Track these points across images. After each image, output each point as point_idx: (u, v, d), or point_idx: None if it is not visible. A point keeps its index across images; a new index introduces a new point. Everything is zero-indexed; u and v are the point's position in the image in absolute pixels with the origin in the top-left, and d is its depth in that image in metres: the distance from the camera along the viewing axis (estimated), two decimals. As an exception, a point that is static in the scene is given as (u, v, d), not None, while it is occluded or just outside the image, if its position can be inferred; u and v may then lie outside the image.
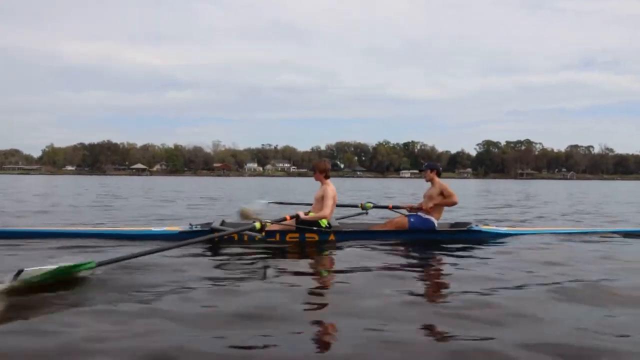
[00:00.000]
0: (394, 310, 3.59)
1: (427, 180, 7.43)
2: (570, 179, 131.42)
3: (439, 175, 7.39)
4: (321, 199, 6.82)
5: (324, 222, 6.75)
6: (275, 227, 6.44)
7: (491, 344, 2.94)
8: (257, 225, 5.78)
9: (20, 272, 3.59)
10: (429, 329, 3.26)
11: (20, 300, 3.57)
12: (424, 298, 4.09)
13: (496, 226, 7.98)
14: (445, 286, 4.55)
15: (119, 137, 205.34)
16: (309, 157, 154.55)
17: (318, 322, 3.37)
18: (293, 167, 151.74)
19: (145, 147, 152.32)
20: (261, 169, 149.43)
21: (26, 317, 3.29)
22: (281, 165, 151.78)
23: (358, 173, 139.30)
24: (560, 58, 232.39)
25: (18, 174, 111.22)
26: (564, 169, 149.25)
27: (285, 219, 6.38)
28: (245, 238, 6.32)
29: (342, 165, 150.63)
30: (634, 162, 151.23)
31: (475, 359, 2.77)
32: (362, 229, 7.32)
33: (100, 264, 4.22)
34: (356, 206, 8.15)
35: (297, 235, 6.65)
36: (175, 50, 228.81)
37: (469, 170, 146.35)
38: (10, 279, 3.61)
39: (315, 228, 6.70)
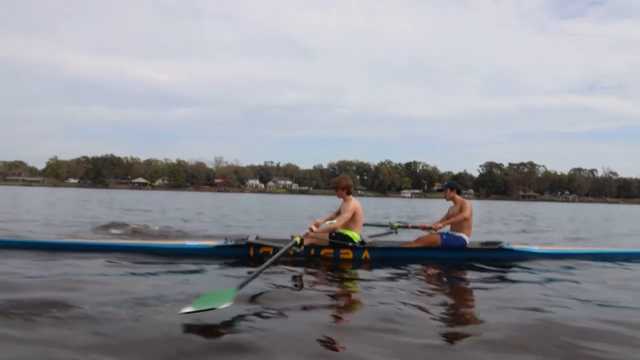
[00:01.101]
0: (433, 332, 3.53)
1: (447, 199, 7.51)
2: (572, 201, 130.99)
3: (459, 193, 7.51)
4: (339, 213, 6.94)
5: (356, 238, 6.84)
6: (309, 241, 6.53)
7: None
8: (298, 240, 5.85)
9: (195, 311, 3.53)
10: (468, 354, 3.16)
11: None
12: (463, 320, 3.99)
13: (527, 245, 7.96)
14: (484, 307, 4.33)
15: (121, 151, 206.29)
16: (311, 175, 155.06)
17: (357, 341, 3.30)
18: (295, 184, 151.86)
19: (149, 162, 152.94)
20: (263, 185, 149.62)
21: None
22: (283, 182, 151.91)
23: (359, 192, 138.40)
24: (564, 81, 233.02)
25: (21, 185, 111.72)
26: (567, 192, 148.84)
27: (307, 233, 6.29)
28: (291, 253, 6.11)
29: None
30: (637, 186, 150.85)
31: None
32: (395, 246, 7.30)
33: (240, 286, 4.17)
34: (385, 226, 8.31)
35: (331, 251, 6.74)
36: (180, 66, 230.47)
37: (471, 191, 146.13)
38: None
39: (350, 244, 6.77)
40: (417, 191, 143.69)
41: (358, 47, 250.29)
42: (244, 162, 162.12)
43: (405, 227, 8.32)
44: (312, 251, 6.68)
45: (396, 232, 8.05)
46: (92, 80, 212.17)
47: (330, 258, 6.69)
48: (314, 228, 6.42)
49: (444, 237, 7.18)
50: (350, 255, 6.72)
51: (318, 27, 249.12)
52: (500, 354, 3.10)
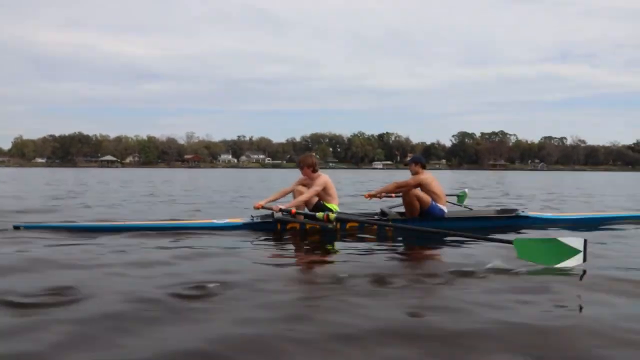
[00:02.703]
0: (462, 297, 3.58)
1: (412, 174, 7.49)
2: (541, 169, 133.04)
3: (423, 167, 7.53)
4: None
5: (335, 209, 6.91)
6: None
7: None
8: (332, 216, 6.13)
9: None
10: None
11: None
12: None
13: (540, 212, 8.23)
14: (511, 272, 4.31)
15: (93, 129, 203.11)
16: (283, 149, 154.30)
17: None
18: (268, 158, 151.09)
19: (119, 139, 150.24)
20: (235, 160, 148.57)
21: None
22: (256, 157, 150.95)
23: (330, 164, 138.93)
24: (538, 50, 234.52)
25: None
26: (537, 160, 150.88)
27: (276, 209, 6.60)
28: (317, 227, 6.60)
29: (317, 157, 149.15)
30: (603, 153, 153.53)
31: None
32: (411, 218, 7.12)
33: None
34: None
35: (356, 224, 6.87)
36: (153, 40, 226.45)
37: (443, 161, 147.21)
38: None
39: (376, 218, 7.12)
40: (389, 162, 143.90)
41: (334, 18, 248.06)
42: (217, 137, 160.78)
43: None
44: (339, 225, 6.71)
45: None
46: (62, 57, 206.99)
47: (355, 230, 6.86)
48: (279, 207, 6.58)
49: (433, 203, 7.23)
50: (375, 227, 6.92)
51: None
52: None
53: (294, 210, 6.51)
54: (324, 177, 7.03)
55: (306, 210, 6.83)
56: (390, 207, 7.81)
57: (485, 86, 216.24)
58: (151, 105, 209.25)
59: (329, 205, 6.95)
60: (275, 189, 9.98)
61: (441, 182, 7.66)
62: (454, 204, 8.70)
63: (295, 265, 5.01)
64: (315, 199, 6.98)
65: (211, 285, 3.75)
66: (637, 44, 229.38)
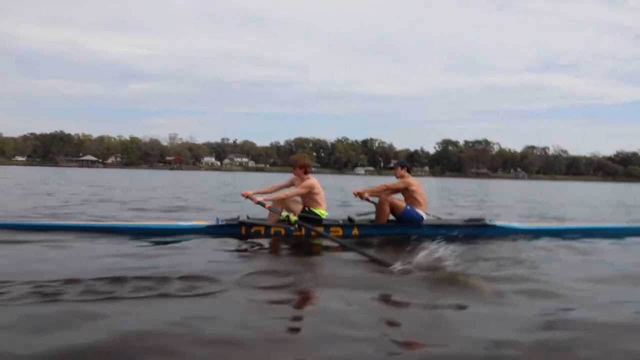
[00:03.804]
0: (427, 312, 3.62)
1: (397, 177, 7.56)
2: (522, 179, 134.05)
3: (409, 171, 7.60)
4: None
5: (323, 214, 6.93)
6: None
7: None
8: (291, 217, 6.29)
9: None
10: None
11: None
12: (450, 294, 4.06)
13: (508, 222, 8.22)
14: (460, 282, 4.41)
15: (75, 128, 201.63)
16: (267, 153, 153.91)
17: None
18: (251, 162, 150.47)
19: (101, 139, 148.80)
20: (219, 163, 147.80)
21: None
22: (239, 160, 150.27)
23: (312, 169, 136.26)
24: (522, 59, 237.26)
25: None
26: (518, 169, 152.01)
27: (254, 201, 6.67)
28: (282, 232, 6.73)
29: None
30: (585, 163, 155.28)
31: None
32: (376, 223, 7.30)
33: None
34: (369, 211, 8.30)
35: (321, 229, 6.68)
36: (138, 39, 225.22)
37: (426, 168, 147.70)
38: None
39: (340, 222, 7.05)
40: (371, 168, 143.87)
41: (322, 23, 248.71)
42: (202, 139, 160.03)
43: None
44: (303, 230, 6.67)
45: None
46: (44, 53, 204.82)
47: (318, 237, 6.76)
48: (256, 198, 6.65)
49: (408, 208, 7.31)
50: (340, 233, 6.87)
51: (282, 1, 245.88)
52: (488, 330, 3.17)
53: (267, 205, 6.57)
54: (313, 180, 6.97)
55: (284, 212, 6.67)
56: (361, 214, 7.94)
57: (470, 94, 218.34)
58: (135, 105, 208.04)
59: (315, 211, 6.89)
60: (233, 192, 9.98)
61: (428, 190, 7.73)
62: None
63: (239, 268, 4.89)
64: (300, 206, 6.92)
65: (151, 281, 3.97)
66: (619, 56, 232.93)
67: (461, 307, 3.66)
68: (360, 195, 7.50)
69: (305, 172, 7.08)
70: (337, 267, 5.13)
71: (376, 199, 7.44)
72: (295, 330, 3.20)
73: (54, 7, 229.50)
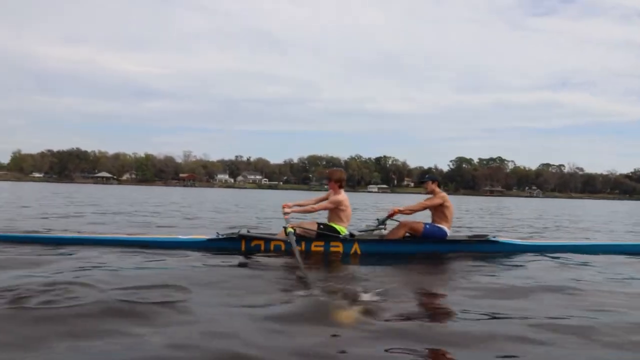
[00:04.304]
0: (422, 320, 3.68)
1: (428, 192, 7.55)
2: (537, 196, 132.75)
3: (439, 186, 7.56)
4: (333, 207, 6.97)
5: (343, 231, 6.90)
6: (300, 232, 6.71)
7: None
8: (291, 229, 6.25)
9: None
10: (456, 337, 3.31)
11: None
12: (448, 310, 4.13)
13: (512, 238, 8.12)
14: (471, 299, 4.45)
15: (91, 145, 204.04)
16: (280, 170, 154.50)
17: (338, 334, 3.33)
18: (265, 179, 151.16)
19: (117, 156, 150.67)
20: (232, 180, 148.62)
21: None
22: (252, 177, 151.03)
23: (325, 187, 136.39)
24: (536, 77, 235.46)
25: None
26: (533, 187, 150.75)
27: (284, 207, 6.71)
28: (283, 247, 6.67)
29: (313, 179, 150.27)
30: (601, 181, 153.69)
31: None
32: (384, 239, 7.33)
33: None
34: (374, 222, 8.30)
35: (322, 243, 6.82)
36: (154, 58, 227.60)
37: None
38: None
39: (340, 236, 6.90)
40: (384, 186, 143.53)
41: (333, 41, 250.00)
42: (215, 157, 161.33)
43: (394, 218, 8.19)
44: (303, 245, 6.68)
45: (385, 227, 7.96)
46: (62, 72, 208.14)
47: (321, 252, 6.79)
48: (287, 210, 6.69)
49: (427, 226, 7.31)
50: (341, 249, 6.85)
51: (293, 20, 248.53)
52: (487, 346, 3.15)
53: (286, 217, 6.64)
54: (343, 196, 6.99)
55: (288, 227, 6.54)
56: (362, 231, 7.86)
57: (482, 112, 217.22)
58: (150, 123, 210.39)
59: (335, 226, 6.91)
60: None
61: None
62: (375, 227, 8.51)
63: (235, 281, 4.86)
64: (315, 224, 6.94)
65: (148, 301, 3.84)
66: (635, 74, 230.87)
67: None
68: (401, 212, 7.50)
69: (340, 187, 7.09)
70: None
71: (402, 217, 7.61)
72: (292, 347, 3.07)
73: (72, 27, 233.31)
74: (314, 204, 7.10)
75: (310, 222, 6.99)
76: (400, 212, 7.49)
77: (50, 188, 52.45)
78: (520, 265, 6.35)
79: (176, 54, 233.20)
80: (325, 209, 6.96)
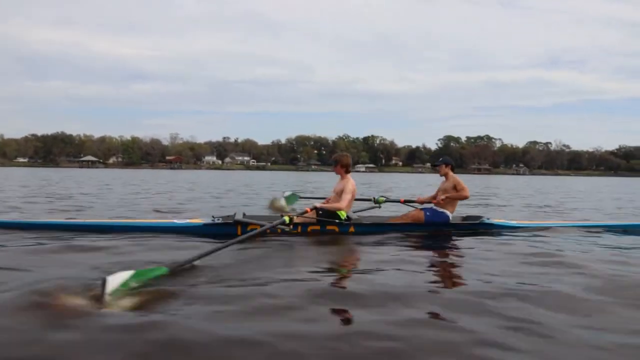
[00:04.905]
0: (413, 301, 3.65)
1: (441, 175, 7.65)
2: (523, 174, 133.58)
3: (452, 170, 7.61)
4: (341, 193, 6.93)
5: (343, 214, 6.89)
6: (299, 219, 6.54)
7: (503, 337, 2.98)
8: (287, 219, 6.01)
9: (104, 281, 3.39)
10: (442, 318, 3.32)
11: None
12: (440, 289, 4.14)
13: (505, 219, 8.16)
14: (460, 278, 4.60)
15: (78, 129, 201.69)
16: (268, 151, 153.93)
17: (337, 313, 3.42)
18: (252, 160, 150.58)
19: (102, 139, 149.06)
20: (220, 162, 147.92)
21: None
22: (240, 158, 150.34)
23: (312, 167, 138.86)
24: (527, 56, 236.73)
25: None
26: (521, 165, 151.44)
27: (306, 212, 6.53)
28: (279, 231, 6.38)
29: (301, 160, 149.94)
30: (587, 158, 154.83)
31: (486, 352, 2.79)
32: (381, 222, 7.43)
33: (172, 271, 4.08)
34: (369, 200, 8.34)
35: (318, 227, 6.83)
36: (145, 41, 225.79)
37: (427, 165, 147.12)
38: (100, 290, 3.38)
39: (336, 221, 6.85)
40: (371, 165, 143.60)
41: (325, 22, 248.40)
42: (204, 138, 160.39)
43: (397, 201, 8.38)
44: (299, 228, 6.72)
45: (379, 207, 8.11)
46: (50, 55, 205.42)
47: (317, 234, 6.79)
48: (318, 204, 6.75)
49: (428, 213, 7.35)
50: (337, 230, 6.86)
51: (287, 1, 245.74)
52: (480, 325, 3.17)
53: (309, 210, 6.56)
54: (353, 182, 7.02)
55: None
56: (357, 211, 7.87)
57: (473, 91, 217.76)
58: (138, 105, 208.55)
59: (338, 211, 6.89)
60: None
61: (427, 185, 7.76)
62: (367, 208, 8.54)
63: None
64: (319, 203, 6.97)
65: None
66: (625, 52, 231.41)
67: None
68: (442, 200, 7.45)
69: (347, 172, 7.10)
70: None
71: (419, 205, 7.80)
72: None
73: (60, 10, 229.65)
74: (338, 201, 6.95)
75: (311, 212, 6.77)
76: (429, 202, 7.62)
77: (32, 172, 51.86)
78: (512, 244, 6.39)
79: (166, 37, 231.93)
80: (350, 201, 6.95)
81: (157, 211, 10.23)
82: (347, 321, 3.28)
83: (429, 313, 3.41)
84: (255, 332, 2.94)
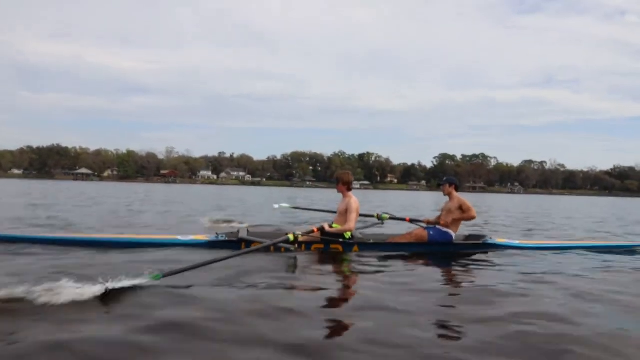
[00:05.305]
0: (414, 324, 3.64)
1: (445, 194, 7.59)
2: (518, 193, 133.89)
3: (457, 189, 7.57)
4: (345, 212, 6.96)
5: (347, 234, 6.89)
6: (303, 238, 6.47)
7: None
8: (291, 237, 6.00)
9: (107, 290, 3.89)
10: (447, 338, 3.35)
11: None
12: (440, 309, 4.19)
13: (508, 239, 8.18)
14: (464, 301, 4.57)
15: (74, 141, 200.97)
16: (263, 167, 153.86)
17: (337, 332, 3.44)
18: (248, 175, 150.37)
19: (98, 152, 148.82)
20: (215, 177, 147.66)
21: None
22: (235, 174, 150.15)
23: (307, 183, 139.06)
24: (522, 74, 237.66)
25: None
26: (516, 183, 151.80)
27: (312, 232, 6.53)
28: (282, 250, 6.39)
29: (297, 176, 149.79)
30: (582, 177, 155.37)
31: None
32: (384, 241, 7.43)
33: (165, 276, 4.36)
34: (372, 216, 8.30)
35: (321, 245, 6.83)
36: (140, 54, 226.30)
37: (423, 183, 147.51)
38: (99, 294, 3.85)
39: (340, 240, 6.84)
40: (366, 182, 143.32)
41: (323, 39, 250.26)
42: (200, 153, 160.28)
43: (403, 220, 8.21)
44: (303, 247, 6.71)
45: (382, 224, 8.10)
46: (49, 67, 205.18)
47: (320, 253, 6.77)
48: (327, 227, 6.70)
49: (431, 232, 7.32)
50: (341, 250, 6.84)
51: (284, 17, 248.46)
52: (484, 348, 3.17)
53: (315, 229, 6.56)
54: (356, 200, 7.03)
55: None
56: (361, 229, 7.85)
57: (469, 109, 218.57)
58: (135, 119, 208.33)
59: (341, 229, 6.89)
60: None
61: (422, 203, 7.77)
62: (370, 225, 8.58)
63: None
64: (327, 224, 6.89)
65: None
66: (621, 72, 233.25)
67: None
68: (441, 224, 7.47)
69: (348, 189, 7.14)
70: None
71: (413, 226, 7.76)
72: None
73: (58, 22, 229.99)
74: (344, 221, 6.95)
75: (333, 231, 6.84)
76: (435, 224, 7.50)
77: (26, 185, 51.60)
78: (517, 266, 6.36)
79: (163, 50, 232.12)
80: (355, 219, 6.96)
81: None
82: (342, 334, 3.38)
83: (427, 332, 3.46)
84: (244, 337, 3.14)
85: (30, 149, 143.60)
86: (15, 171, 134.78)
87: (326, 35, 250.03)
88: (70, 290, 3.75)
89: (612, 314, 4.11)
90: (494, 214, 21.11)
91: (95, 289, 3.83)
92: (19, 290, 3.69)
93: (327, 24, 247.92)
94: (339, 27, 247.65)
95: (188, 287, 4.44)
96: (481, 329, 3.50)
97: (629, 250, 8.09)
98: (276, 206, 11.58)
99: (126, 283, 4.02)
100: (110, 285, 3.89)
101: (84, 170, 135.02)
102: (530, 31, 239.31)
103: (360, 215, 7.76)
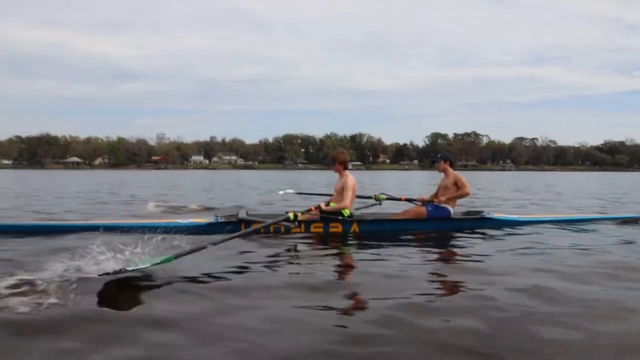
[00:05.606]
0: (416, 297, 3.68)
1: (440, 171, 7.64)
2: (509, 170, 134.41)
3: (452, 165, 7.60)
4: (341, 190, 7.00)
5: (346, 212, 6.92)
6: (303, 217, 6.52)
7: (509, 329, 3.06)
8: (291, 216, 6.09)
9: (121, 270, 3.94)
10: (448, 314, 3.34)
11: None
12: (445, 283, 4.27)
13: (505, 214, 8.30)
14: (465, 271, 4.68)
15: (64, 130, 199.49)
16: (255, 150, 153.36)
17: (342, 310, 3.46)
18: (240, 159, 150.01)
19: (88, 140, 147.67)
20: (207, 161, 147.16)
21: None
22: (227, 158, 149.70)
23: (299, 165, 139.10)
24: (514, 52, 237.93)
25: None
26: (508, 161, 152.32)
27: (310, 210, 6.63)
28: (282, 230, 6.58)
29: (288, 158, 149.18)
30: (573, 153, 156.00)
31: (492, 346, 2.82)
32: (383, 218, 7.55)
33: (177, 257, 4.45)
34: (370, 197, 8.31)
35: (321, 224, 6.88)
36: (129, 40, 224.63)
37: (415, 162, 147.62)
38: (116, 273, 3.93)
39: (339, 218, 6.89)
40: (358, 163, 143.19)
41: (314, 20, 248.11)
42: (191, 138, 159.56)
43: (399, 199, 8.29)
44: (303, 226, 6.76)
45: (380, 204, 8.18)
46: (37, 55, 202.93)
47: (320, 232, 6.84)
48: (323, 206, 6.76)
49: (429, 208, 7.38)
50: (340, 229, 6.90)
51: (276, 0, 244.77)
52: (483, 320, 3.19)
53: (313, 208, 6.66)
54: (353, 178, 7.06)
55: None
56: (359, 208, 7.94)
57: (461, 88, 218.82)
58: (125, 105, 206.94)
59: (337, 206, 6.93)
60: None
61: (416, 182, 7.80)
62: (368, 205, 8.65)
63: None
64: (323, 202, 6.94)
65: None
66: (610, 48, 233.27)
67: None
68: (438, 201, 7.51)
69: (345, 168, 7.16)
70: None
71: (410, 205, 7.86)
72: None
73: (48, 10, 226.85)
74: (341, 200, 6.99)
75: (330, 209, 6.90)
76: (429, 202, 7.55)
77: (15, 175, 51.16)
78: (513, 238, 6.53)
79: (153, 36, 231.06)
80: (352, 198, 6.97)
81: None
82: (346, 313, 3.40)
83: (428, 308, 3.47)
84: (249, 321, 3.14)
85: (19, 138, 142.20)
86: (5, 161, 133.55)
87: (317, 16, 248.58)
88: (90, 270, 3.98)
89: (610, 283, 4.17)
90: (487, 192, 21.19)
91: (113, 269, 3.96)
92: (28, 275, 3.87)
93: (317, 5, 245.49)
94: (329, 7, 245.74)
95: (199, 266, 4.62)
96: (477, 307, 3.51)
97: (626, 221, 8.27)
98: (281, 192, 11.53)
99: (142, 265, 4.11)
100: (128, 267, 3.98)
101: (74, 159, 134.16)
102: (521, 8, 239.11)
103: (358, 196, 7.80)
